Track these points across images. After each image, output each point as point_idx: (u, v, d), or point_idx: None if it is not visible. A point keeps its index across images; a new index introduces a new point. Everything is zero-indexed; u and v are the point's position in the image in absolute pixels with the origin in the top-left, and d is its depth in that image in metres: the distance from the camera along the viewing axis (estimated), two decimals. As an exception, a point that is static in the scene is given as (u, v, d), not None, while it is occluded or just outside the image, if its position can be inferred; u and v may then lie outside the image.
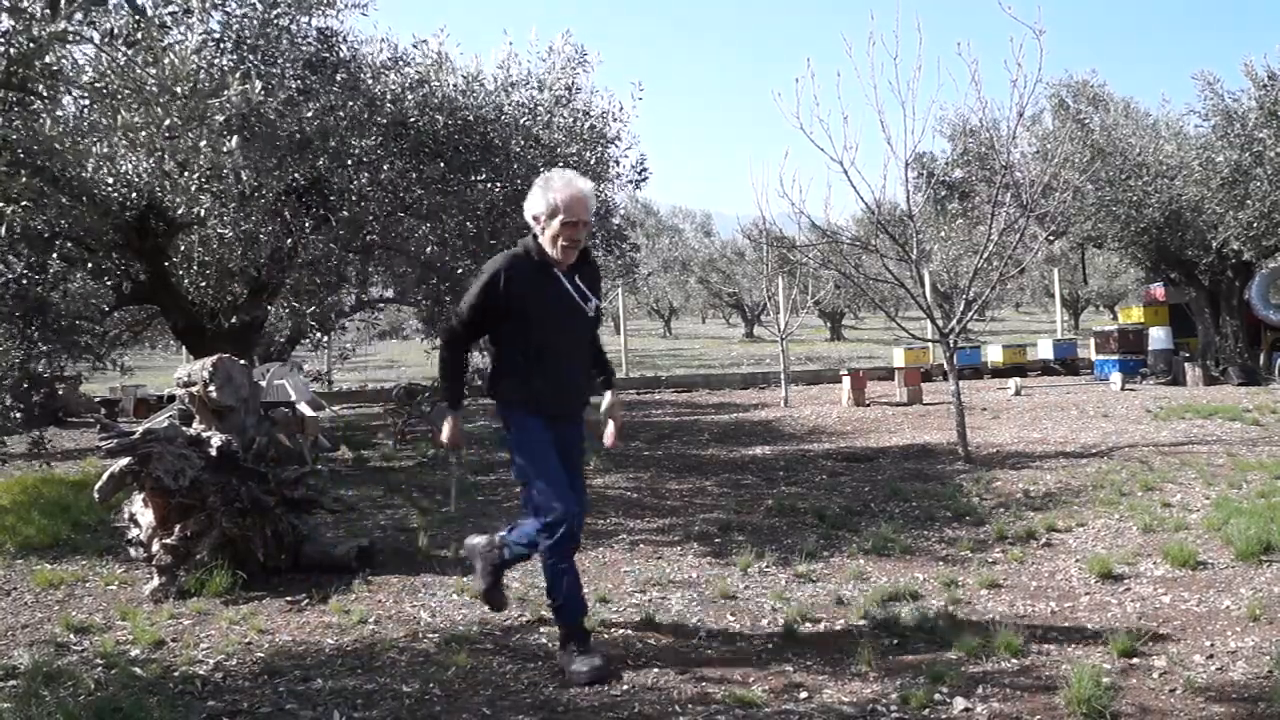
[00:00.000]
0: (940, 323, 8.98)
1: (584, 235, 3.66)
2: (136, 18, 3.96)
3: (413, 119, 8.29)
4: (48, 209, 6.39)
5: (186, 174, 5.12)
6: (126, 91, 3.89)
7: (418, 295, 10.85)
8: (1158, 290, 16.28)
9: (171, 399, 9.76)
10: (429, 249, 9.40)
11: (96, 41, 3.86)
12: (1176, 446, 8.36)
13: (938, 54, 10.37)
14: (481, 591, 3.98)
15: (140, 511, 5.14)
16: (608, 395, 3.93)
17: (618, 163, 10.00)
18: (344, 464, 9.13)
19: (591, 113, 9.52)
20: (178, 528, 4.84)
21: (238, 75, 4.38)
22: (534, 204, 3.64)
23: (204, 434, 5.15)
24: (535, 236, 3.67)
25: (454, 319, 3.83)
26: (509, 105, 9.02)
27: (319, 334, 12.50)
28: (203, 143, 4.23)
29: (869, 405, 13.21)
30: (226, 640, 3.99)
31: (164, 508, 4.91)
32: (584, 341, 3.81)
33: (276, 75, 7.24)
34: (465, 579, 4.86)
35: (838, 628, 4.00)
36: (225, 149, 4.48)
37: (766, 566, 4.97)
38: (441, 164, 8.46)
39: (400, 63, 8.60)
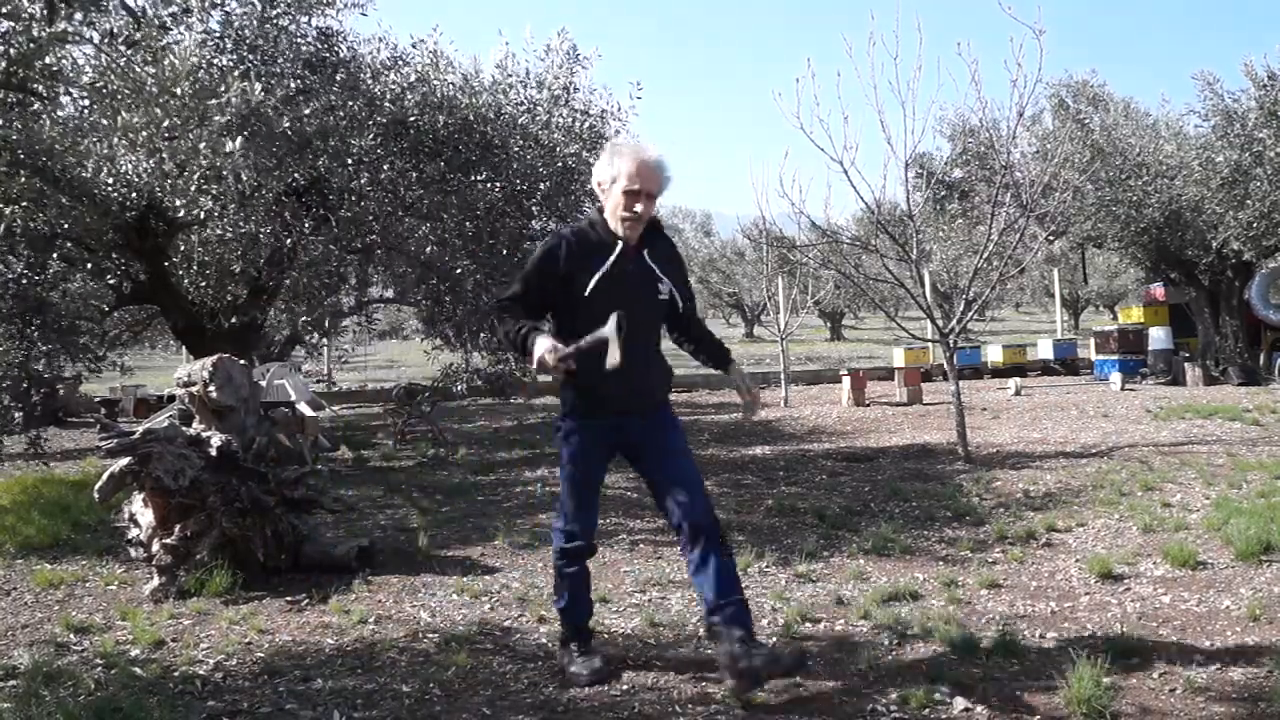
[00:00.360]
0: (940, 323, 8.98)
1: (648, 208, 3.32)
2: (137, 19, 3.96)
3: (412, 118, 8.30)
4: (48, 209, 6.40)
5: (186, 174, 5.13)
6: (126, 92, 3.89)
7: (418, 295, 10.87)
8: (1158, 290, 16.29)
9: (171, 399, 9.77)
10: (429, 249, 9.41)
11: (96, 42, 3.86)
12: (1176, 446, 8.36)
13: (938, 54, 10.40)
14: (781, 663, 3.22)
15: (140, 511, 5.14)
16: (732, 371, 3.61)
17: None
18: (344, 464, 9.14)
19: (590, 112, 9.53)
20: (178, 528, 4.84)
21: (237, 75, 4.38)
22: (598, 170, 3.36)
23: (204, 434, 5.15)
24: (601, 210, 3.40)
25: (504, 294, 3.46)
26: (507, 105, 9.03)
27: (317, 336, 12.51)
28: (202, 144, 4.24)
29: (869, 405, 13.21)
30: (226, 640, 3.99)
31: (164, 508, 4.91)
32: (654, 325, 3.45)
33: (276, 75, 7.24)
34: (465, 578, 4.87)
35: (838, 628, 4.00)
36: (225, 150, 4.49)
37: (766, 566, 4.96)
38: (441, 163, 8.47)
39: (399, 62, 8.62)
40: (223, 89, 4.22)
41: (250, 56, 7.15)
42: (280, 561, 5.02)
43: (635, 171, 3.25)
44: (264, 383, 8.70)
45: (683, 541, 3.33)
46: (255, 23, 7.19)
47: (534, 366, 3.13)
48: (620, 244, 3.30)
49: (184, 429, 5.24)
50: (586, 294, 3.23)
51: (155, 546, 4.87)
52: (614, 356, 3.04)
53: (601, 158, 3.36)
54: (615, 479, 7.87)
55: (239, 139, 4.76)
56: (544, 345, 3.11)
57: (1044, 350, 18.43)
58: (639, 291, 3.33)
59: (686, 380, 18.66)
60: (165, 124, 3.96)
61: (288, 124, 7.03)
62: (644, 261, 3.36)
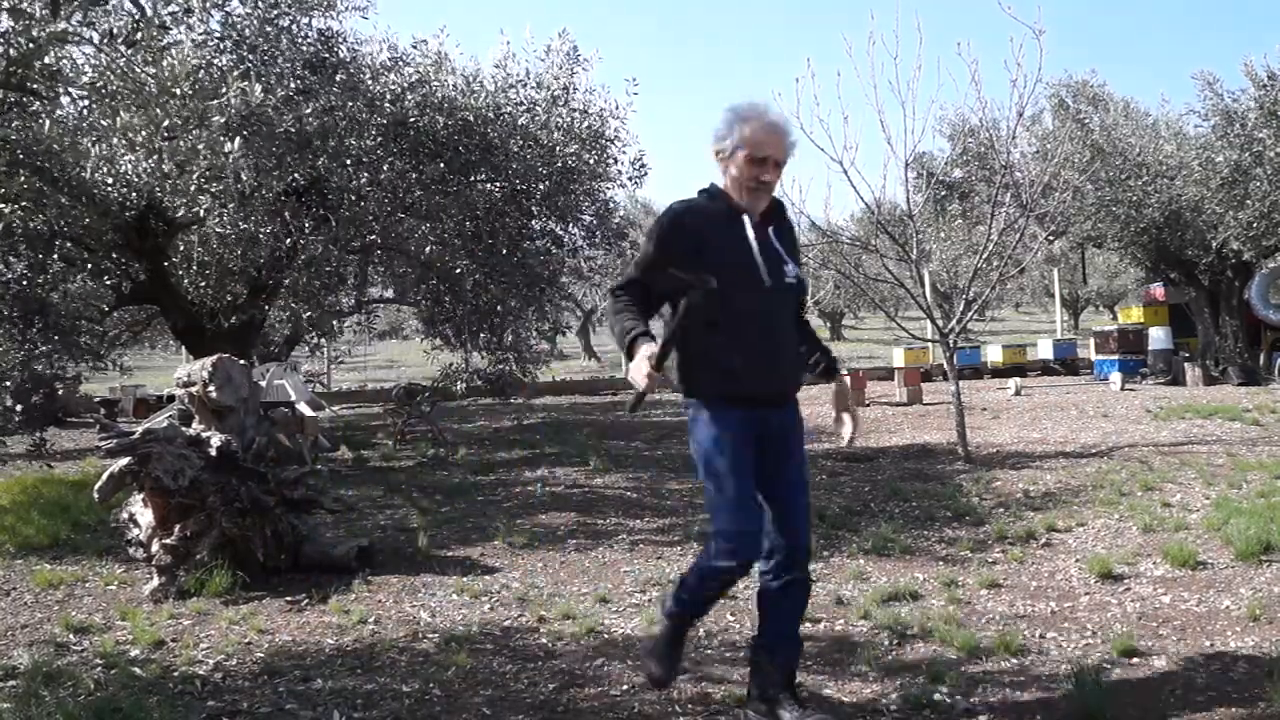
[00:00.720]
0: (940, 323, 8.98)
1: (775, 177, 2.97)
2: (137, 18, 3.96)
3: (412, 119, 8.31)
4: (47, 209, 6.40)
5: (185, 174, 5.13)
6: (126, 92, 3.89)
7: (417, 295, 10.88)
8: (1158, 290, 16.29)
9: (171, 399, 9.77)
10: (429, 249, 9.42)
11: (96, 42, 3.86)
12: (1176, 446, 8.36)
13: (938, 54, 10.49)
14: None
15: (140, 511, 5.14)
16: (836, 384, 3.19)
17: (616, 160, 10.02)
18: (344, 464, 9.13)
19: (590, 111, 9.53)
20: (177, 528, 4.84)
21: (236, 75, 4.38)
22: (718, 138, 2.98)
23: (204, 434, 5.15)
24: (712, 185, 3.06)
25: (617, 281, 3.02)
26: (507, 105, 9.03)
27: (318, 336, 12.52)
28: (201, 144, 4.24)
29: (869, 405, 13.21)
30: (226, 640, 3.99)
31: (164, 508, 4.91)
32: (786, 310, 3.04)
33: (276, 75, 7.24)
34: (465, 578, 4.87)
35: (838, 628, 4.00)
36: (225, 150, 4.48)
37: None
38: (441, 164, 8.47)
39: (400, 63, 8.62)
40: (223, 89, 4.22)
41: (250, 57, 7.15)
42: (280, 561, 5.02)
43: (761, 137, 2.91)
44: (264, 383, 8.69)
45: (771, 563, 3.00)
46: (256, 23, 7.19)
47: (632, 372, 2.76)
48: (746, 218, 2.95)
49: (184, 429, 5.24)
50: (720, 273, 2.82)
51: (155, 546, 4.87)
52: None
53: (719, 125, 2.98)
54: (615, 479, 7.87)
55: (238, 139, 4.76)
56: (642, 355, 2.74)
57: (1044, 350, 18.42)
58: (770, 269, 2.96)
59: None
60: (165, 124, 3.96)
61: (290, 124, 7.04)
62: (771, 241, 3.00)
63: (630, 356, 2.79)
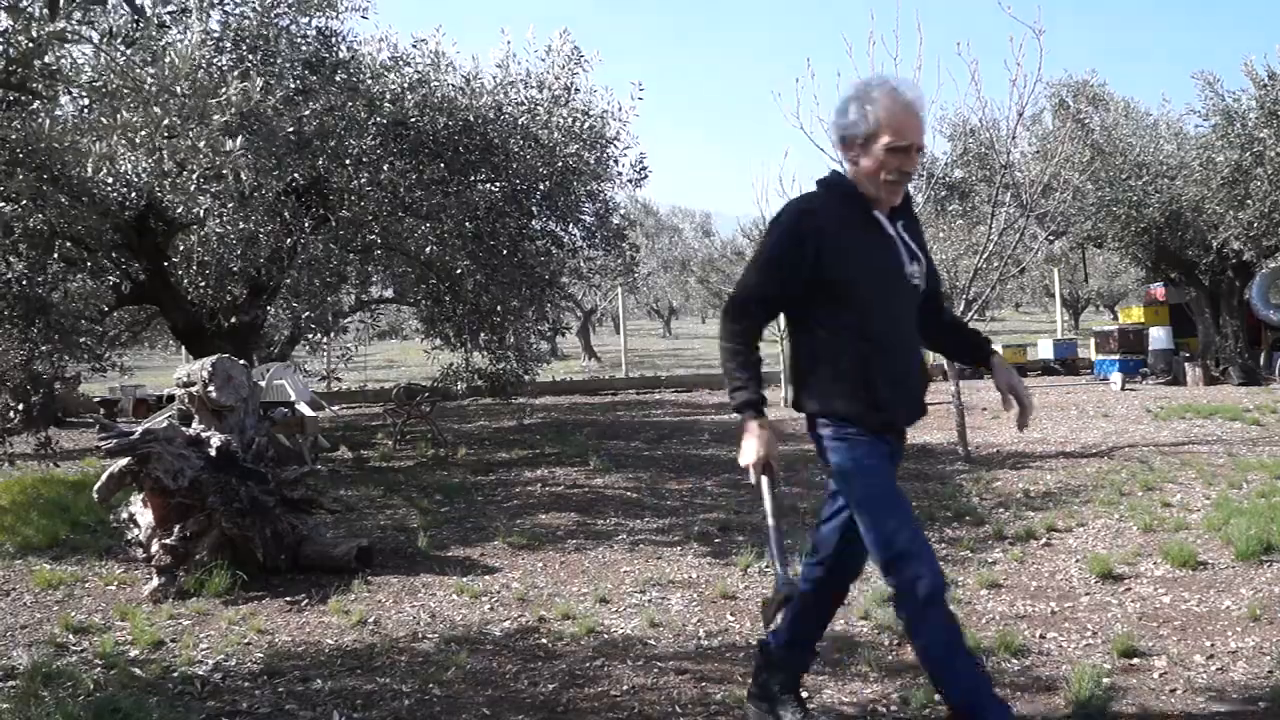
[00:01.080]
0: (940, 323, 8.97)
1: (917, 165, 2.62)
2: (135, 17, 3.96)
3: (412, 119, 8.30)
4: (47, 209, 6.40)
5: (185, 173, 5.13)
6: (125, 91, 3.88)
7: (418, 295, 10.88)
8: (1158, 290, 16.28)
9: (171, 399, 9.77)
10: (429, 249, 9.41)
11: (95, 41, 3.86)
12: (1176, 446, 8.36)
13: (938, 54, 10.43)
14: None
15: (140, 511, 5.14)
16: (995, 365, 2.88)
17: (617, 161, 10.02)
18: (344, 464, 9.13)
19: (591, 112, 9.53)
20: (177, 528, 4.84)
21: (236, 74, 4.38)
22: (846, 122, 2.57)
23: (203, 434, 5.14)
24: (837, 173, 2.71)
25: (737, 295, 2.68)
26: (508, 105, 9.02)
27: (319, 334, 12.51)
28: (201, 142, 4.23)
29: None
30: (226, 640, 3.99)
31: (163, 508, 4.91)
32: (914, 317, 2.74)
33: (276, 75, 7.23)
34: (465, 578, 4.87)
35: (838, 628, 3.99)
36: (225, 149, 4.48)
37: (766, 567, 4.96)
38: (441, 164, 8.46)
39: (400, 63, 8.61)
40: (223, 89, 4.22)
41: (250, 57, 7.14)
42: (280, 561, 5.02)
43: (903, 120, 2.52)
44: (264, 383, 8.70)
45: (821, 570, 2.99)
46: (255, 23, 7.18)
47: (743, 457, 2.65)
48: (880, 214, 2.64)
49: (183, 429, 5.24)
50: (859, 280, 2.57)
51: (155, 546, 4.87)
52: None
53: (846, 107, 2.58)
54: (615, 479, 7.87)
55: (239, 138, 4.75)
56: (753, 445, 2.61)
57: (1044, 350, 18.40)
58: (902, 273, 2.65)
59: (687, 380, 18.65)
60: (165, 123, 3.96)
61: (290, 124, 7.02)
62: (899, 232, 2.67)
63: (734, 406, 2.64)
